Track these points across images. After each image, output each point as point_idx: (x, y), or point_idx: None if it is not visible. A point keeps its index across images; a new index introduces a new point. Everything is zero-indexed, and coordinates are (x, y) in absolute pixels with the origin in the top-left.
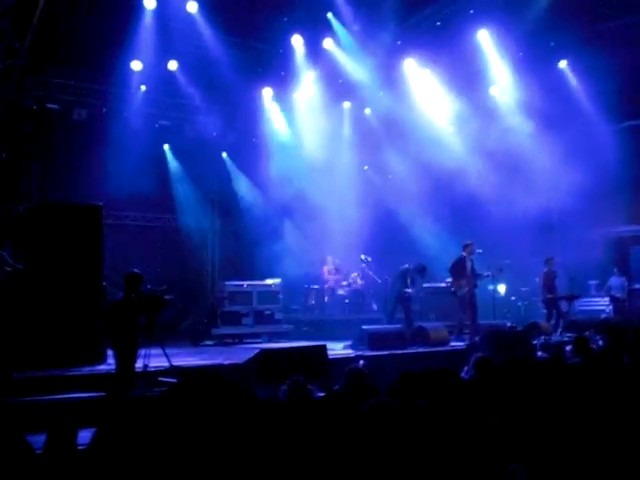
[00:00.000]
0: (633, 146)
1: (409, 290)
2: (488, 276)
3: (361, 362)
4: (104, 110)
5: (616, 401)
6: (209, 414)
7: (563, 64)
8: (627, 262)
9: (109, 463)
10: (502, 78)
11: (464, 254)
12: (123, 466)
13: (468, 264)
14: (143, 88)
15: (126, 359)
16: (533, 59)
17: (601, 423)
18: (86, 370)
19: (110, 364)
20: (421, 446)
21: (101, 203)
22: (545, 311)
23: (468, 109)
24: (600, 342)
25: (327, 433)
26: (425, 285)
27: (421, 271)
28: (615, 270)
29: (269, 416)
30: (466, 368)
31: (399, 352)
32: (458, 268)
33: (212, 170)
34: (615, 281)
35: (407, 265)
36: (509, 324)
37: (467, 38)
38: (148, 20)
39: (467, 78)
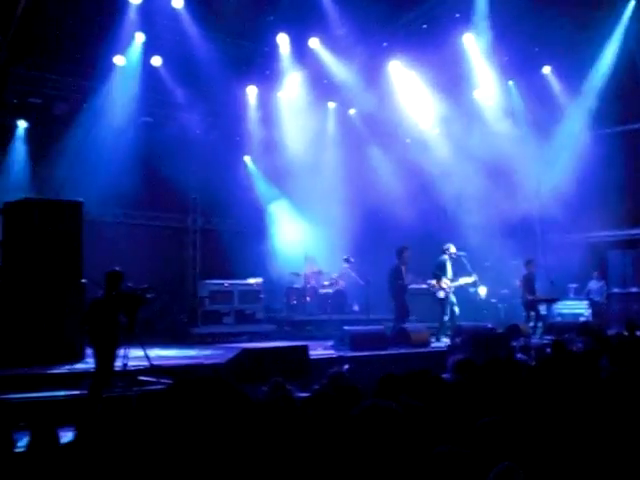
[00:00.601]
0: (613, 152)
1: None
2: (466, 283)
3: (346, 367)
4: (85, 105)
5: (596, 402)
6: (207, 415)
7: (547, 70)
8: (606, 266)
9: (93, 462)
10: (487, 82)
11: (445, 256)
12: (109, 465)
13: (449, 266)
14: (128, 82)
15: (106, 358)
16: (517, 64)
17: (581, 423)
18: (64, 368)
19: (88, 362)
20: (410, 448)
21: (82, 199)
22: (525, 313)
23: (453, 112)
24: (579, 344)
25: (313, 435)
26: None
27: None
28: (594, 274)
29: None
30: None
31: (380, 353)
32: (440, 270)
33: (195, 168)
34: (594, 285)
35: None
36: (490, 326)
37: (453, 41)
38: (133, 15)
39: (452, 81)
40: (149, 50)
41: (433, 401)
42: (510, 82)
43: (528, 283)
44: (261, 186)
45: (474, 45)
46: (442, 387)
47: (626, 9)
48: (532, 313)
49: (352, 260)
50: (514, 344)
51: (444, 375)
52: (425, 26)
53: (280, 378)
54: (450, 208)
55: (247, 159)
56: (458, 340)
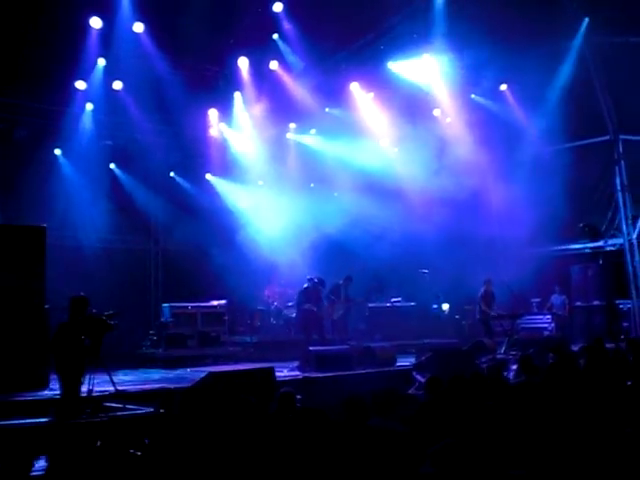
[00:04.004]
0: (573, 167)
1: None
2: (360, 302)
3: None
4: (46, 129)
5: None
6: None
7: (504, 87)
8: (568, 280)
9: None
10: (445, 101)
11: (341, 282)
12: None
13: (342, 292)
14: (89, 107)
15: (72, 384)
16: (475, 83)
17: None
18: (29, 396)
19: (53, 389)
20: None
21: (44, 224)
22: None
23: (412, 132)
24: (550, 361)
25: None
26: (371, 305)
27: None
28: (556, 288)
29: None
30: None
31: (346, 373)
32: (334, 295)
33: (157, 190)
34: (556, 299)
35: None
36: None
37: (410, 61)
38: (94, 40)
39: (411, 101)
40: (110, 74)
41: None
42: (469, 100)
43: (485, 300)
44: (223, 207)
45: (432, 65)
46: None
47: (580, 27)
48: (488, 328)
49: (316, 280)
50: (479, 361)
51: (410, 391)
52: (382, 47)
53: (252, 398)
54: (408, 224)
55: (209, 178)
56: (423, 358)
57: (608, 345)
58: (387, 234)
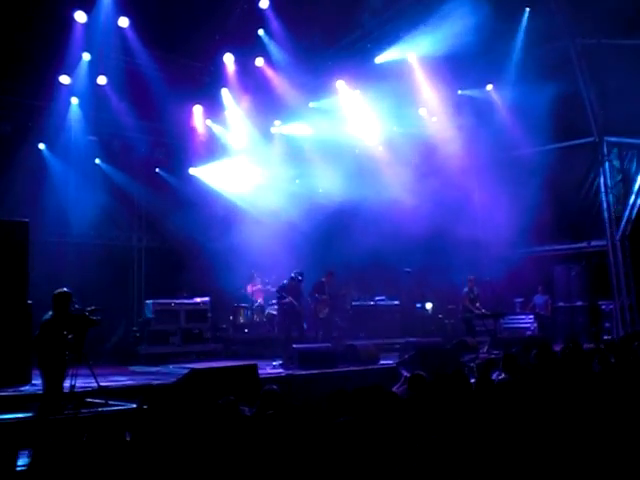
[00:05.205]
0: (558, 168)
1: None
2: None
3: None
4: (30, 124)
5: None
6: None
7: (489, 88)
8: (551, 280)
9: None
10: (431, 101)
11: (323, 280)
12: None
13: (326, 289)
14: (74, 101)
15: (54, 380)
16: (461, 82)
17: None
18: (10, 391)
19: (35, 384)
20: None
21: (27, 219)
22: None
23: (398, 130)
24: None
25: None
26: (354, 303)
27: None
28: (539, 288)
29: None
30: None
31: (330, 371)
32: (318, 293)
33: (140, 186)
34: (539, 299)
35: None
36: (439, 341)
37: (396, 60)
38: (78, 34)
39: (397, 100)
40: (95, 69)
41: (386, 416)
42: (455, 100)
43: (468, 299)
44: (207, 203)
45: (418, 64)
46: (395, 403)
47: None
48: (472, 327)
49: (300, 277)
50: (463, 360)
51: (395, 387)
52: (369, 45)
53: (232, 397)
54: (395, 225)
55: (193, 174)
56: (407, 356)
57: (588, 345)
58: (371, 232)
